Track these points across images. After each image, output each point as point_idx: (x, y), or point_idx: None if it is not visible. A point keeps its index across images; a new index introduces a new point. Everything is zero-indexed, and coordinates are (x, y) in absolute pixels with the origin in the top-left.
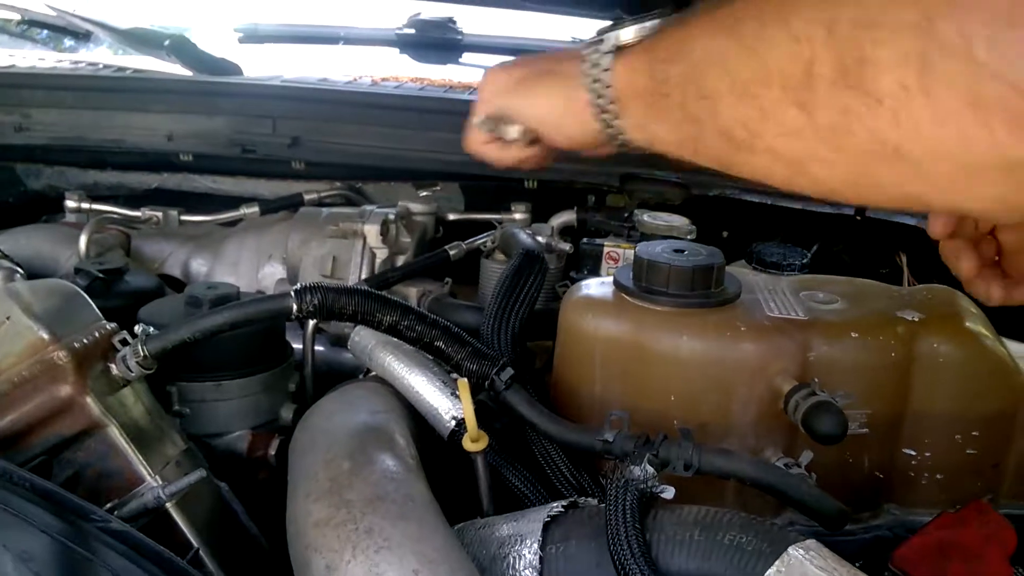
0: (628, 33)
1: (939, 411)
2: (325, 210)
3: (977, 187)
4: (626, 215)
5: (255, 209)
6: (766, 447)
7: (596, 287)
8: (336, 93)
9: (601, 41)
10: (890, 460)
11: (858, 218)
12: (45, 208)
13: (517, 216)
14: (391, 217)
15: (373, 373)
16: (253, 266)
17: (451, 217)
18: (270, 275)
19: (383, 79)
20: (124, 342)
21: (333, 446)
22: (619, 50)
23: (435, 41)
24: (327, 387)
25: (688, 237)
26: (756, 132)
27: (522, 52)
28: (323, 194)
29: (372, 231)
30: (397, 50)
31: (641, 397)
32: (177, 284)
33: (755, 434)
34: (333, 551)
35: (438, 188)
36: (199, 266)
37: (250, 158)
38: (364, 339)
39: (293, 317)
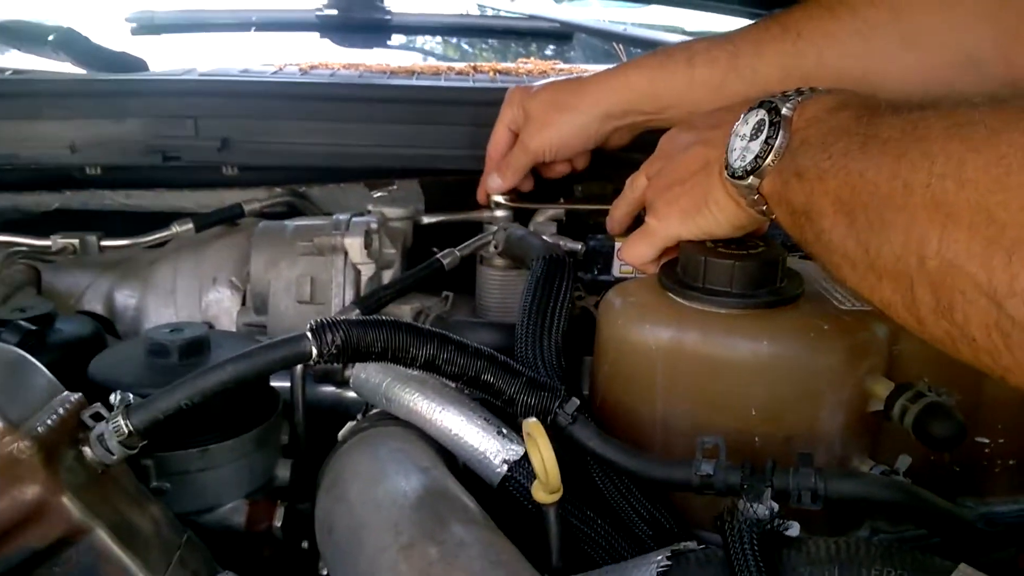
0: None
1: (1009, 395)
2: (290, 223)
3: None
4: None
5: (189, 226)
6: (852, 454)
7: (640, 291)
8: (267, 85)
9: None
10: (967, 451)
11: None
12: None
13: (499, 214)
14: (373, 226)
15: (376, 411)
16: (194, 293)
17: (426, 220)
18: (216, 302)
19: (311, 67)
20: (98, 416)
21: (401, 526)
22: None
23: (361, 23)
24: (316, 431)
25: None
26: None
27: (455, 31)
28: (264, 203)
29: (355, 244)
30: (318, 34)
31: (715, 414)
32: (103, 322)
33: (841, 441)
34: None
35: (394, 187)
36: (126, 298)
37: (172, 167)
38: (374, 375)
39: (313, 363)
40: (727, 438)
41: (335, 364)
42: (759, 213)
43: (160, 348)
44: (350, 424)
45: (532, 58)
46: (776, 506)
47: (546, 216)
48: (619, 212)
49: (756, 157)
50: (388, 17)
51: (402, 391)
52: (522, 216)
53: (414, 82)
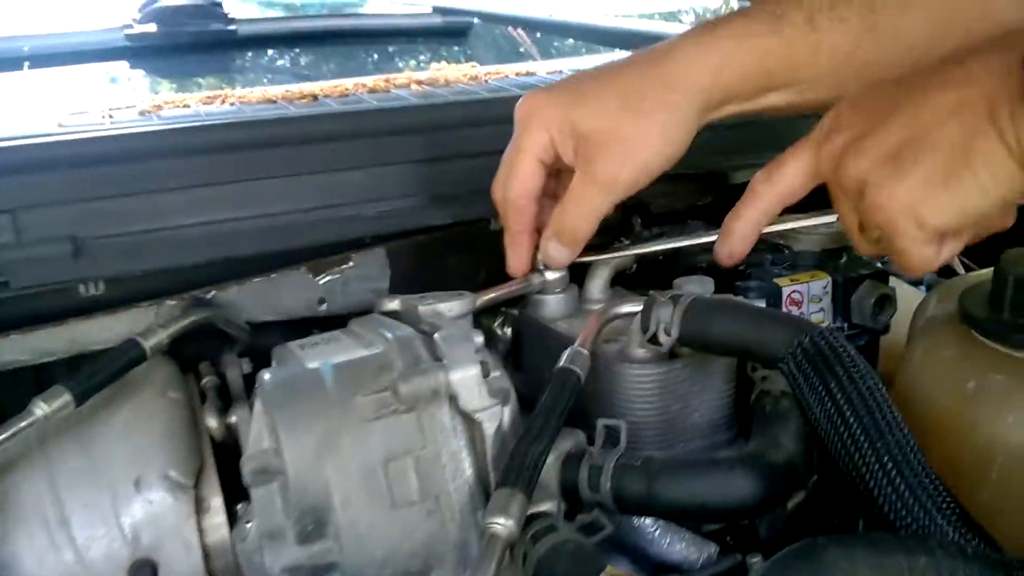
0: None
1: None
2: (320, 365)
3: None
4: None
5: (65, 400)
6: None
7: (981, 360)
8: (127, 141)
9: None
10: None
11: None
12: None
13: (550, 276)
14: (479, 340)
15: None
16: (103, 515)
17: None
18: (152, 521)
19: (156, 107)
20: None
21: None
22: None
23: (194, 40)
24: None
25: None
26: None
27: (312, 39)
28: (168, 330)
29: (469, 382)
30: (127, 64)
31: None
32: None
33: None
34: None
35: (350, 264)
36: None
37: None
38: None
39: None
40: None
41: None
42: None
43: None
44: None
45: (442, 62)
46: None
47: (609, 267)
48: (746, 224)
49: None
50: (232, 28)
51: None
52: (575, 275)
53: (355, 107)
